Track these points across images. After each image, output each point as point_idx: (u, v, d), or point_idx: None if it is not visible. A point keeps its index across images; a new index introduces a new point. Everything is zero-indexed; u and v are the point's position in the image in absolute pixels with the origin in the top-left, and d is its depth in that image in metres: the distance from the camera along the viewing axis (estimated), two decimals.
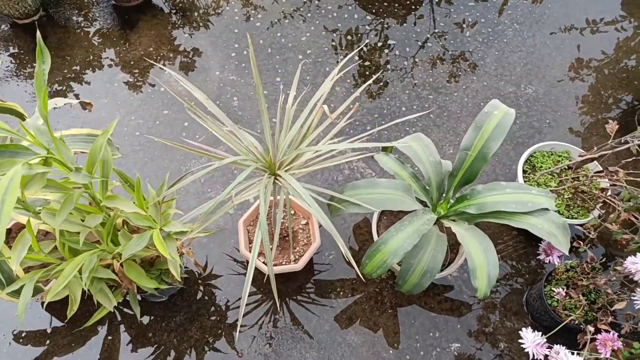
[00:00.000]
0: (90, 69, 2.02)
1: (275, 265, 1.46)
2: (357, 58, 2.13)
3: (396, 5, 2.31)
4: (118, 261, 1.03)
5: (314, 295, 1.57)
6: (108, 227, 0.98)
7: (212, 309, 1.54)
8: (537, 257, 1.33)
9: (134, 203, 0.93)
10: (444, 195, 1.36)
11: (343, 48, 2.15)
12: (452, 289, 1.60)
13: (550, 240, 1.16)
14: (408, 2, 2.33)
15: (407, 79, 2.08)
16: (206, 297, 1.56)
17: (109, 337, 1.47)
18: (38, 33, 0.77)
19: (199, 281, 1.58)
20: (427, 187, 1.33)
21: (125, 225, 1.11)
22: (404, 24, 2.25)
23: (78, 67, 2.02)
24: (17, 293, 1.01)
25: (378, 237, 1.45)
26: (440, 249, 1.24)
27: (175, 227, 0.97)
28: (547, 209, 1.20)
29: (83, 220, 0.94)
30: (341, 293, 1.58)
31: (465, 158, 1.27)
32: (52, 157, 0.83)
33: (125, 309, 1.51)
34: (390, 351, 1.50)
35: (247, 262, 1.60)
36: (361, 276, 1.26)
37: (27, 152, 0.82)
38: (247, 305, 1.55)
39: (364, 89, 2.04)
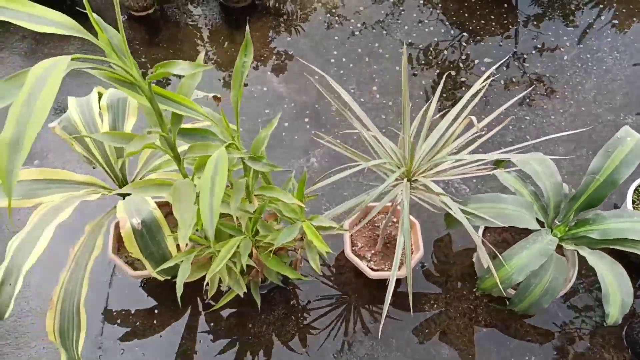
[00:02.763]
0: None
1: (377, 270, 1.48)
2: (453, 73, 2.14)
3: (493, 24, 2.32)
4: (256, 249, 1.08)
5: (400, 305, 1.58)
6: (256, 215, 1.02)
7: (308, 307, 1.57)
8: None
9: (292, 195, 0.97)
10: (558, 217, 1.35)
11: (440, 62, 2.17)
12: (548, 314, 1.58)
13: None
14: (505, 22, 2.33)
15: (501, 98, 2.07)
16: (301, 296, 1.59)
17: (211, 324, 1.52)
18: (247, 27, 0.83)
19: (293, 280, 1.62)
20: (546, 208, 1.33)
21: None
22: (498, 41, 2.25)
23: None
24: (165, 272, 1.07)
25: (485, 252, 1.45)
26: (561, 270, 1.23)
27: (324, 222, 1.01)
28: None
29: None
30: (435, 306, 1.58)
31: (591, 182, 1.26)
32: (234, 144, 0.88)
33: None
34: None
35: (346, 264, 1.63)
36: (477, 291, 1.26)
37: (215, 137, 0.87)
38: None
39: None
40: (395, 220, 1.60)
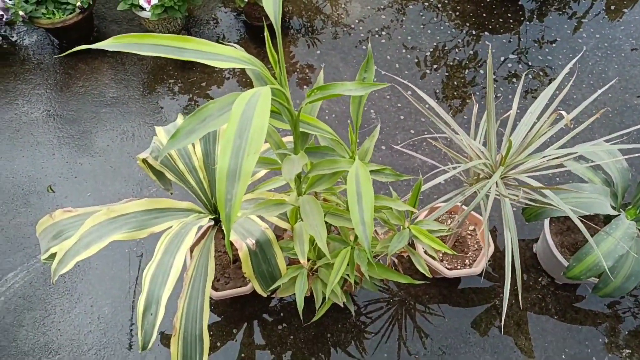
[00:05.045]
0: (222, 85, 2.14)
1: (451, 269, 1.51)
2: (481, 72, 2.19)
3: (511, 21, 2.38)
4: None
5: (470, 301, 1.61)
6: None
7: (378, 313, 1.59)
8: None
9: (404, 202, 1.00)
10: (621, 200, 1.40)
11: (471, 62, 2.22)
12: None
13: None
14: (522, 19, 2.39)
15: (536, 90, 2.13)
16: (368, 305, 1.61)
17: (291, 337, 1.54)
18: (369, 45, 0.86)
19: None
20: (616, 193, 1.37)
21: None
22: (517, 36, 2.32)
23: (204, 83, 2.14)
24: (266, 287, 1.09)
25: (553, 243, 1.49)
26: None
27: (432, 225, 1.04)
28: None
29: None
30: (503, 299, 1.62)
31: None
32: (354, 158, 0.91)
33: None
34: (562, 356, 1.52)
35: (411, 267, 1.65)
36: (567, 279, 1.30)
37: (334, 153, 0.90)
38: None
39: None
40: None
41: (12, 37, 2.30)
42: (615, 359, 1.52)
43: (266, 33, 0.69)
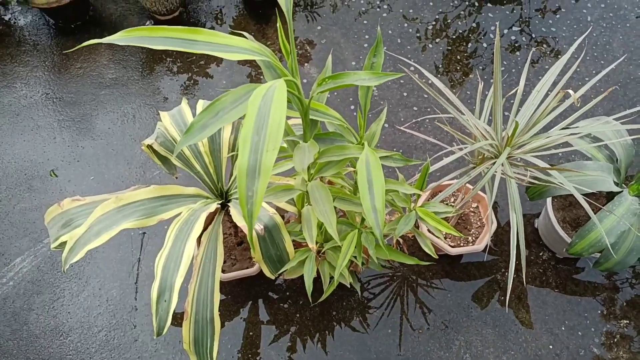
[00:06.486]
0: (221, 63, 2.11)
1: (454, 247, 1.53)
2: (485, 45, 2.17)
3: None
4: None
5: (474, 273, 1.64)
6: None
7: (381, 289, 1.62)
8: None
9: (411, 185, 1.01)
10: (624, 176, 1.41)
11: (470, 34, 2.19)
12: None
13: None
14: None
15: (544, 61, 2.11)
16: (371, 280, 1.64)
17: (297, 315, 1.57)
18: (379, 28, 0.85)
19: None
20: (619, 169, 1.38)
21: None
22: (519, 9, 2.28)
23: (203, 61, 2.11)
24: (274, 269, 1.11)
25: (555, 219, 1.51)
26: None
27: (438, 207, 1.05)
28: None
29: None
30: (505, 273, 1.65)
31: None
32: (363, 144, 0.90)
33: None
34: (562, 328, 1.56)
35: (414, 244, 1.67)
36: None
37: (342, 139, 0.90)
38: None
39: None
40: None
41: (6, 16, 2.25)
42: (614, 329, 1.56)
43: (279, 25, 0.68)
